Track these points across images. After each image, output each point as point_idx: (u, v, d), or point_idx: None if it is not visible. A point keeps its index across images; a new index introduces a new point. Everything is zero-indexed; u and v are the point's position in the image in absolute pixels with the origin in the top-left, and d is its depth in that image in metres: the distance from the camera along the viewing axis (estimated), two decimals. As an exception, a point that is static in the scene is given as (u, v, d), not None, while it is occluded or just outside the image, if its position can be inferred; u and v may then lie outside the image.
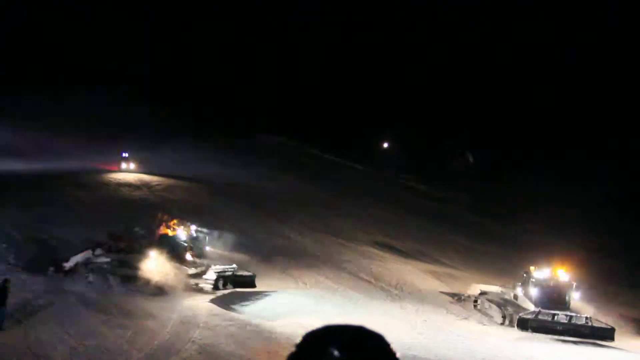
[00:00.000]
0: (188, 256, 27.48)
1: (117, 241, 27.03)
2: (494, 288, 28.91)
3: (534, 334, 24.46)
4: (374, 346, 1.48)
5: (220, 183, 46.16)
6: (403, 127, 73.44)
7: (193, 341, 19.64)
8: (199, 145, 56.28)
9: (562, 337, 24.47)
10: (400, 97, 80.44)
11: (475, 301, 28.50)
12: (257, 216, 38.43)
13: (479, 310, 28.00)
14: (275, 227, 37.19)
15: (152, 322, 21.19)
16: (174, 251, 26.58)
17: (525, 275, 27.02)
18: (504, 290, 28.31)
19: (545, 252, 35.88)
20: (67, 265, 25.02)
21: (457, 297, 29.45)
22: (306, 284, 29.21)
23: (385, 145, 74.50)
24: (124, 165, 46.40)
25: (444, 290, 31.00)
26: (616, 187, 58.43)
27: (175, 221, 28.64)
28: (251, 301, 25.37)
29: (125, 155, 47.15)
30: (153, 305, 22.88)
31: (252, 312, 23.87)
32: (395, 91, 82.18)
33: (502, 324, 26.02)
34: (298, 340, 1.51)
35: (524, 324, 24.67)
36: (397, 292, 30.25)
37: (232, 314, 23.27)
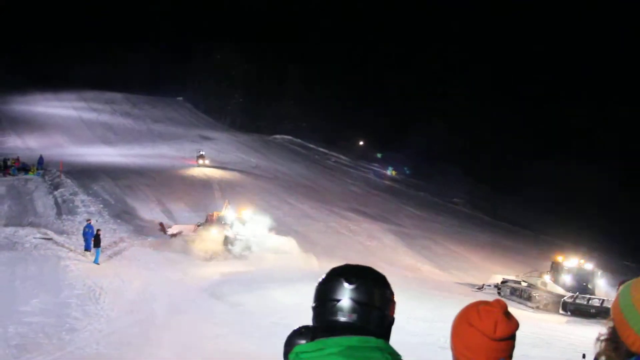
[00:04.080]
0: None
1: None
2: (512, 277, 24.44)
3: (575, 317, 19.87)
4: (376, 281, 1.46)
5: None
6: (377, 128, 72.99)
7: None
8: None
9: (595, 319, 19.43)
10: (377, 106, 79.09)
11: (499, 289, 23.78)
12: (270, 190, 39.32)
13: (503, 297, 21.97)
14: (282, 197, 38.16)
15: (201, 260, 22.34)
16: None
17: (553, 264, 22.79)
18: (522, 279, 23.64)
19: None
20: (170, 231, 24.61)
21: (478, 287, 24.51)
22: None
23: (361, 142, 75.04)
24: (200, 161, 44.36)
25: (460, 282, 26.00)
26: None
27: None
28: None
29: (202, 152, 45.67)
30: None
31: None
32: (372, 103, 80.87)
33: (536, 308, 21.26)
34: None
35: (566, 307, 20.52)
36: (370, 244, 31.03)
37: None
